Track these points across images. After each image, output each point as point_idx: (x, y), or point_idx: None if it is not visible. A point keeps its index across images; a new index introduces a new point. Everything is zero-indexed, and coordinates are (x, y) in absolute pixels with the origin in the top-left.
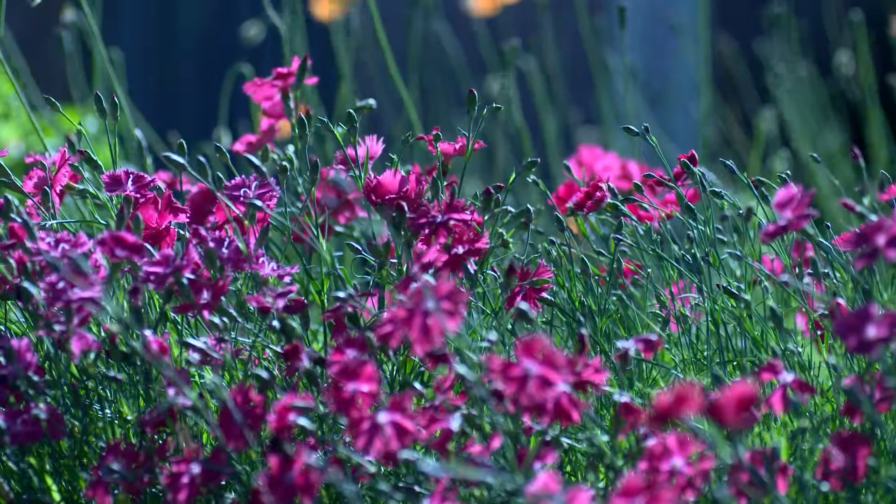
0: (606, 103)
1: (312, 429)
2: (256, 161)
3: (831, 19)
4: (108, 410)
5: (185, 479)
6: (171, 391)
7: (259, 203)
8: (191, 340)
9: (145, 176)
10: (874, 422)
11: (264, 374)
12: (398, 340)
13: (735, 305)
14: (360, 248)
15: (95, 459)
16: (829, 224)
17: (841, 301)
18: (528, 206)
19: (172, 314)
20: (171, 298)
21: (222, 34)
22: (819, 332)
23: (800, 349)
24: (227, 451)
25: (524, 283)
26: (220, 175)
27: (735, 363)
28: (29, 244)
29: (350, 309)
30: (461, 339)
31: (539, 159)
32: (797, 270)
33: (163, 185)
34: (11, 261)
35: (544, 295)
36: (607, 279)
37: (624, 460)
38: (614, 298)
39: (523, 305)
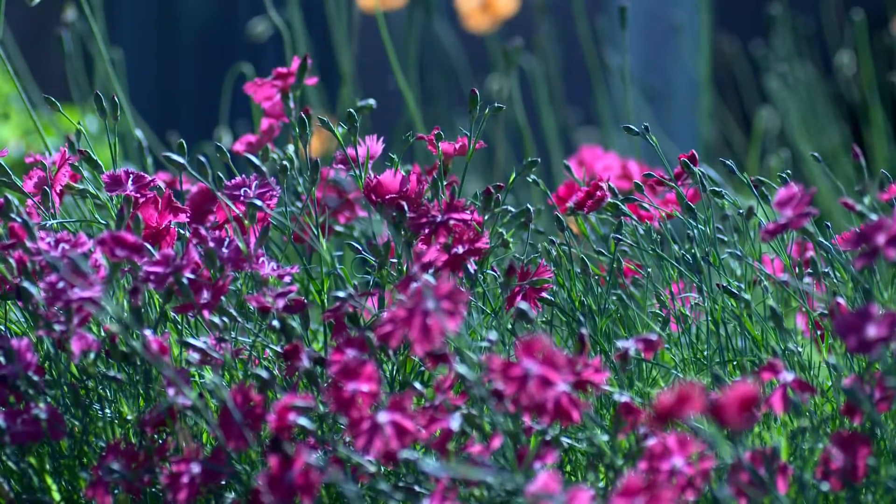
0: (606, 103)
1: (312, 428)
2: (256, 161)
3: (831, 19)
4: (108, 410)
5: (185, 479)
6: (171, 391)
7: (259, 203)
8: (191, 340)
9: (145, 176)
10: (874, 421)
11: (264, 374)
12: (398, 340)
13: (735, 305)
14: (360, 248)
15: (95, 459)
16: (829, 223)
17: (841, 300)
18: (529, 205)
19: (172, 314)
20: (171, 298)
21: (222, 34)
22: (819, 332)
23: (800, 349)
24: (227, 450)
25: (524, 283)
26: (221, 175)
27: (735, 363)
28: (29, 244)
29: (350, 309)
30: (461, 339)
31: (539, 159)
32: (797, 270)
33: (163, 185)
34: (11, 261)
35: (544, 295)
36: (607, 279)
37: (624, 460)
38: (614, 298)
39: (523, 305)
